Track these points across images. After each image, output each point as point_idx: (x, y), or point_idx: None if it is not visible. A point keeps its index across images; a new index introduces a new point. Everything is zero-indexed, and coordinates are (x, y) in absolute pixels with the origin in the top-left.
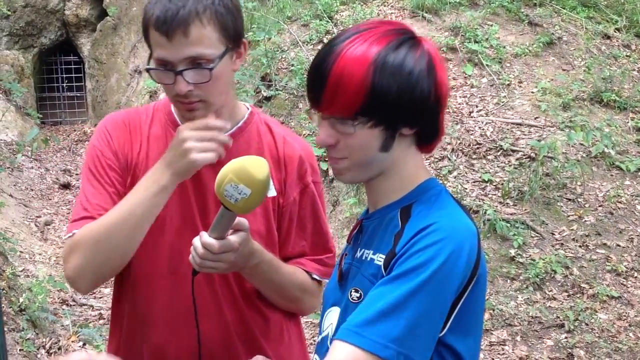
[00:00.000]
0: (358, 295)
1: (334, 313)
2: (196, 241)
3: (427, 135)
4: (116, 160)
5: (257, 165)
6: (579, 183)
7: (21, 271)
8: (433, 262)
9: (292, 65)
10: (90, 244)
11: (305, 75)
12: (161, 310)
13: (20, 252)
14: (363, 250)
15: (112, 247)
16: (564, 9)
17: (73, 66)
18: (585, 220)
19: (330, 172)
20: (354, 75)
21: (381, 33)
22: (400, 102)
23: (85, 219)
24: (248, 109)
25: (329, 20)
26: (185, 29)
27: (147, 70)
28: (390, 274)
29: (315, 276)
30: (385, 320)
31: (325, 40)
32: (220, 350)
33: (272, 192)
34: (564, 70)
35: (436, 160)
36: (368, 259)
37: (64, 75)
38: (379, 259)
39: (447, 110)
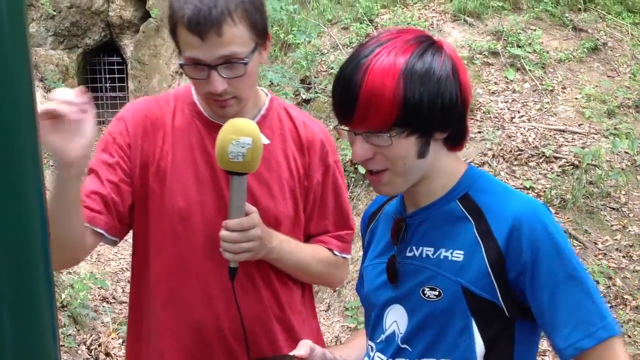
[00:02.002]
0: (436, 293)
1: (396, 311)
2: (223, 232)
3: (457, 137)
4: (128, 151)
5: (242, 119)
6: (623, 192)
7: None
8: (562, 238)
9: (332, 68)
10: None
11: None
12: (198, 296)
13: None
14: (421, 248)
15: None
16: (609, 14)
17: (116, 67)
18: (630, 230)
19: None
20: (385, 90)
21: (404, 42)
22: (432, 109)
23: None
24: (267, 95)
25: (369, 24)
26: (218, 29)
27: (181, 65)
28: (537, 275)
29: (336, 252)
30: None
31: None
32: (260, 329)
33: (265, 140)
34: (608, 76)
35: (477, 165)
36: (441, 256)
37: (107, 76)
38: (457, 255)
39: (488, 115)
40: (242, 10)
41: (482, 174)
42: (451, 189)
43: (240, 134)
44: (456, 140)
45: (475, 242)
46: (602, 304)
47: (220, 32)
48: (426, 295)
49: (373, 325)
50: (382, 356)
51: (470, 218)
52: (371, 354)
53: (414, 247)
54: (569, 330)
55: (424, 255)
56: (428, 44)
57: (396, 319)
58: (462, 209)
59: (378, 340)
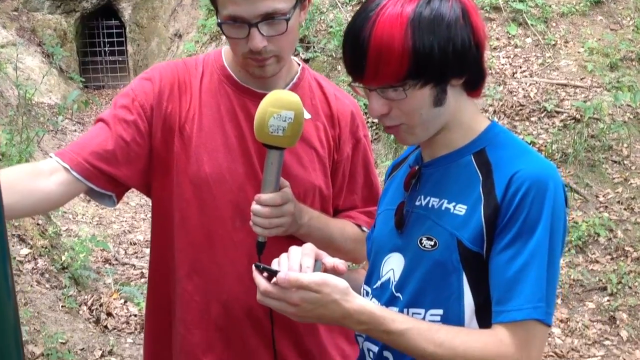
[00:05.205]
0: (432, 243)
1: (394, 259)
2: (255, 206)
3: (475, 80)
4: (149, 112)
5: (285, 92)
6: (625, 145)
7: (64, 231)
8: (549, 212)
9: (331, 27)
10: None
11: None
12: (226, 267)
13: (64, 212)
14: (429, 197)
15: None
16: None
17: (115, 30)
18: (631, 183)
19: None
20: (394, 41)
21: None
22: (445, 56)
23: (64, 154)
24: (299, 64)
25: None
26: None
27: (219, 25)
28: (510, 233)
29: (364, 229)
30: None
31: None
32: None
33: (307, 115)
34: (611, 29)
35: None
36: (443, 207)
37: (106, 40)
38: (459, 209)
39: (490, 71)
40: None
41: (503, 131)
42: (469, 143)
43: (282, 107)
44: (474, 84)
45: (479, 198)
46: (552, 291)
47: None
48: (423, 245)
49: (370, 271)
50: (375, 301)
51: (479, 174)
52: (368, 298)
53: (422, 197)
54: (508, 296)
55: (429, 206)
56: None
57: (393, 267)
58: (475, 164)
59: (374, 286)
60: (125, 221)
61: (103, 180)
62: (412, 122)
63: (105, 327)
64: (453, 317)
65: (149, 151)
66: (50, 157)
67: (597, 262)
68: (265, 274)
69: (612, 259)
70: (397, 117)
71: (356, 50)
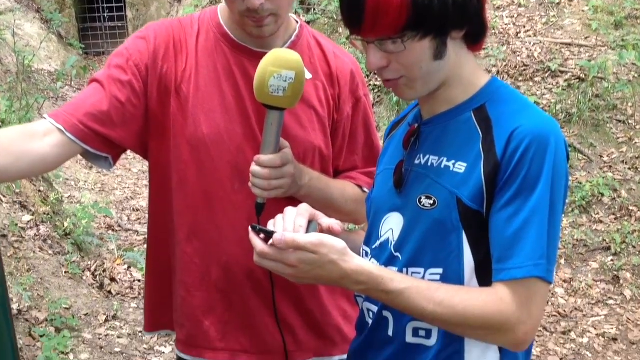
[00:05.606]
0: (431, 202)
1: (393, 218)
2: (255, 167)
3: (476, 33)
4: (144, 72)
5: (286, 51)
6: (629, 104)
7: (67, 197)
8: (550, 168)
9: None
10: None
11: None
12: (225, 229)
13: (66, 179)
14: (428, 156)
15: None
16: None
17: None
18: (636, 142)
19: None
20: None
21: None
22: (445, 7)
23: (58, 115)
24: (297, 22)
25: None
26: None
27: None
28: (510, 191)
29: (365, 189)
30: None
31: None
32: None
33: (308, 75)
34: None
35: None
36: (442, 165)
37: (105, 5)
38: (459, 167)
39: (493, 31)
40: None
41: (504, 86)
42: (469, 99)
43: (283, 67)
44: (475, 37)
45: (478, 155)
46: (553, 248)
47: None
48: (422, 204)
49: (369, 231)
50: (375, 261)
51: (479, 130)
52: (367, 258)
53: (421, 155)
54: (509, 254)
55: (428, 164)
56: None
57: (392, 227)
58: (475, 120)
59: (373, 247)
60: (128, 188)
61: (98, 142)
62: (412, 76)
63: (109, 292)
64: (452, 276)
65: (144, 112)
66: (44, 118)
67: (601, 222)
68: (261, 235)
69: (616, 218)
70: (397, 70)
71: (353, 1)
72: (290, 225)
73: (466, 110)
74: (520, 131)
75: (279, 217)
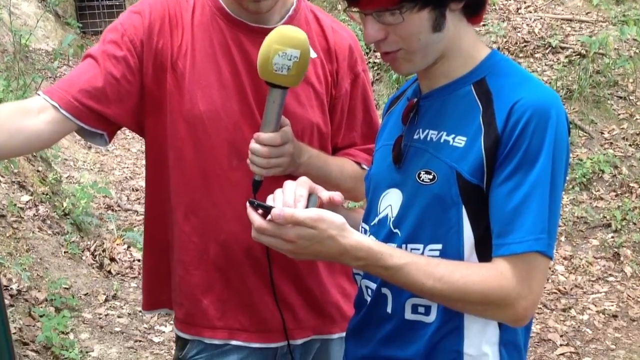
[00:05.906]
0: (431, 177)
1: (392, 195)
2: (254, 145)
3: (475, 5)
4: (139, 47)
5: (292, 28)
6: (631, 80)
7: (66, 178)
8: (551, 142)
9: None
10: None
11: None
12: (223, 207)
13: (64, 159)
14: (427, 130)
15: None
16: None
17: None
18: (637, 118)
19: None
20: None
21: None
22: None
23: (52, 92)
24: None
25: None
26: None
27: None
28: (511, 165)
29: (364, 166)
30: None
31: None
32: None
33: (313, 54)
34: None
35: None
36: (441, 140)
37: None
38: (459, 141)
39: (493, 7)
40: None
41: (504, 59)
42: (468, 72)
43: (288, 45)
44: (475, 9)
45: (479, 129)
46: (554, 223)
47: None
48: (421, 179)
49: (368, 208)
50: (373, 238)
51: (479, 104)
52: (367, 234)
53: (420, 130)
54: (509, 229)
55: (427, 139)
56: None
57: (391, 203)
58: (475, 93)
59: (372, 223)
60: (127, 167)
61: (93, 119)
62: (410, 48)
63: (109, 272)
64: (452, 252)
65: (140, 88)
66: (38, 94)
67: (602, 199)
68: (259, 210)
69: (616, 195)
70: (395, 43)
71: None
72: (290, 195)
73: (466, 84)
74: (521, 104)
75: (278, 191)
